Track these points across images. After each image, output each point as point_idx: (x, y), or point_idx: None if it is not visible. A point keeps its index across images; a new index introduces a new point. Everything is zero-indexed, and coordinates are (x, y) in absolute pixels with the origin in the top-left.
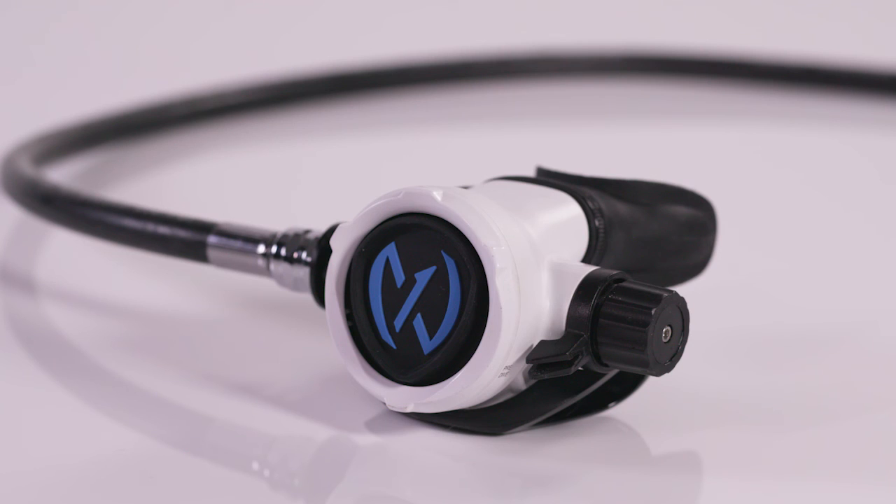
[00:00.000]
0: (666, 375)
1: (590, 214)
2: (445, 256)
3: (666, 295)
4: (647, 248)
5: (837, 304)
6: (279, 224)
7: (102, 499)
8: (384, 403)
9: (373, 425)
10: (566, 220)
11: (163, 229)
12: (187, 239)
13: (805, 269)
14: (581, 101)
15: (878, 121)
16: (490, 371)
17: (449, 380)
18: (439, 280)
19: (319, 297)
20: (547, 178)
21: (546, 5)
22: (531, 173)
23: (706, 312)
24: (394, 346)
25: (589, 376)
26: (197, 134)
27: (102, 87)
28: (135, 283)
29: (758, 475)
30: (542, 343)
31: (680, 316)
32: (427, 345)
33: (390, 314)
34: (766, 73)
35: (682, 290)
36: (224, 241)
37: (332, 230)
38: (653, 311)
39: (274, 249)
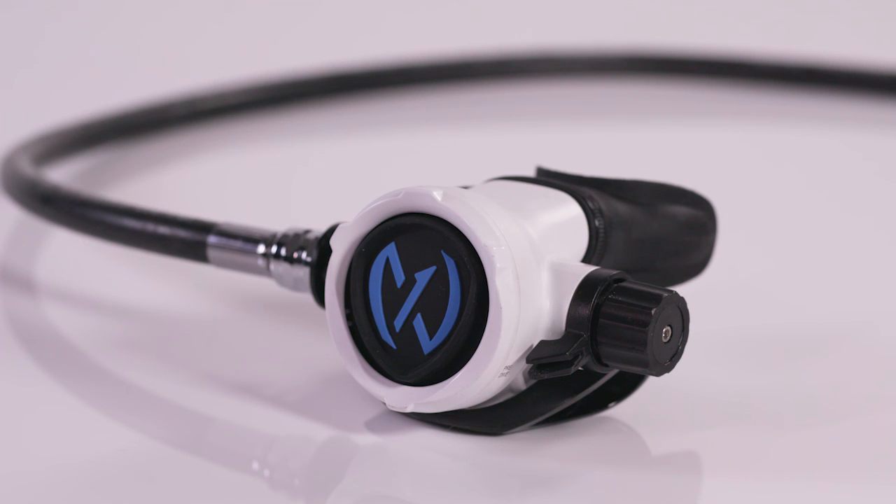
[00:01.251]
0: (666, 375)
1: (590, 214)
2: (445, 256)
3: (666, 295)
4: (647, 248)
5: (837, 304)
6: (279, 224)
7: (102, 499)
8: (384, 403)
9: (373, 425)
10: (566, 220)
11: (163, 229)
12: (187, 239)
13: (805, 269)
14: (581, 101)
15: (878, 121)
16: (490, 371)
17: (449, 380)
18: (439, 280)
19: (319, 297)
20: (547, 178)
21: (546, 5)
22: (531, 173)
23: (706, 312)
24: (394, 346)
25: (589, 376)
26: (197, 134)
27: (102, 87)
28: (135, 283)
29: (758, 475)
30: (542, 343)
31: (680, 316)
32: (427, 345)
33: (390, 314)
34: (766, 73)
35: (682, 290)
36: (224, 241)
37: (332, 230)
38: (653, 311)
39: (274, 249)
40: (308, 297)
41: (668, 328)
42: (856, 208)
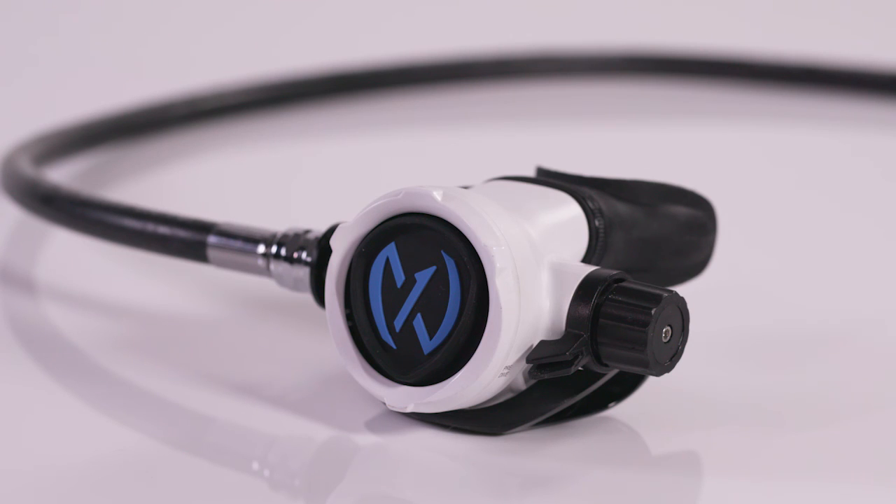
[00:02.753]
0: (666, 375)
1: (590, 214)
2: (445, 256)
3: (666, 295)
4: (647, 248)
5: (838, 304)
6: (279, 224)
7: (102, 499)
8: (384, 403)
9: (373, 425)
10: (566, 220)
11: (163, 229)
12: (187, 239)
13: (805, 269)
14: (581, 101)
15: (878, 121)
16: (490, 371)
17: (449, 380)
18: (439, 280)
19: (319, 297)
20: (547, 178)
21: (546, 5)
22: (531, 173)
23: (706, 312)
24: (394, 346)
25: (589, 376)
26: (197, 134)
27: (102, 87)
28: (135, 283)
29: (758, 475)
30: (542, 343)
31: (680, 316)
32: (427, 345)
33: (390, 314)
34: (766, 73)
35: (682, 290)
36: (224, 241)
37: (332, 230)
38: (653, 311)
39: (274, 249)
40: (308, 297)
41: (668, 328)
42: (856, 208)
